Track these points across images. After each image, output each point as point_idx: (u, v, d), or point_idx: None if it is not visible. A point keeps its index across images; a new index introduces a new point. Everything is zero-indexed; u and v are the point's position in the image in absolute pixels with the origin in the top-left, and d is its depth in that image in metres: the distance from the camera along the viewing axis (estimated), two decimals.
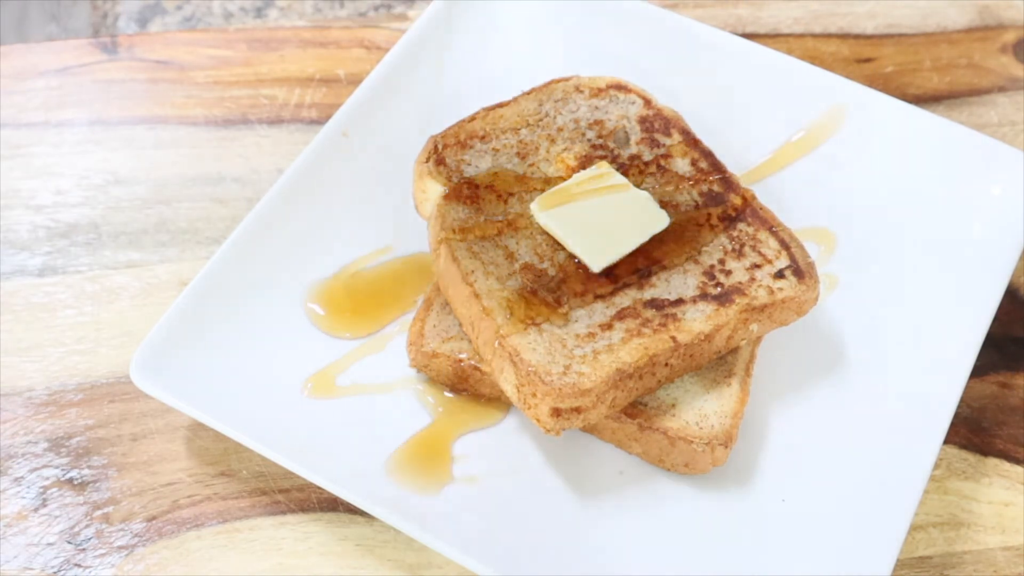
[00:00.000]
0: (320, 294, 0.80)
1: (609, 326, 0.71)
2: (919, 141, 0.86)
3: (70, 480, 0.76)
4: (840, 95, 0.88)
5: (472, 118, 0.81)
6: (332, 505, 0.75)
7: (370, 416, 0.76)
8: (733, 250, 0.76)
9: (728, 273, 0.75)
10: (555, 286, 0.73)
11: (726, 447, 0.73)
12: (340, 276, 0.81)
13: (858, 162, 0.87)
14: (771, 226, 0.77)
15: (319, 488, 0.75)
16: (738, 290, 0.74)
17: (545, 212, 0.76)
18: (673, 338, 0.71)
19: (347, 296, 0.80)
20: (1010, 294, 0.86)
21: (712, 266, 0.75)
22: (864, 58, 1.00)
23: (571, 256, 0.74)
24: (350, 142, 0.85)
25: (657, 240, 0.75)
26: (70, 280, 0.85)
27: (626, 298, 0.73)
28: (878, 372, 0.78)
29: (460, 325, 0.76)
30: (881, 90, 0.90)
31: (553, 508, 0.73)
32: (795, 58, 0.90)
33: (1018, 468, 0.79)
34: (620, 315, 0.72)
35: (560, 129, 0.81)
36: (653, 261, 0.75)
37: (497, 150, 0.80)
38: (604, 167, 0.78)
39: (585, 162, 0.79)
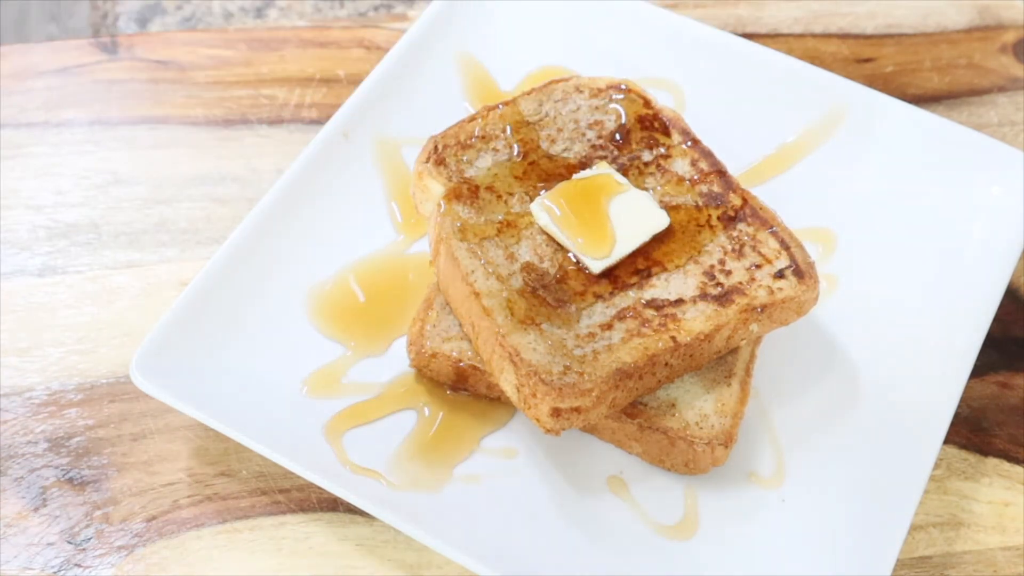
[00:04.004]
0: (320, 304, 0.80)
1: (609, 326, 0.71)
2: (919, 141, 0.86)
3: (70, 480, 0.76)
4: (840, 95, 0.88)
5: (472, 118, 0.81)
6: (332, 505, 0.75)
7: (370, 416, 0.76)
8: (733, 250, 0.76)
9: (728, 273, 0.74)
10: (555, 286, 0.73)
11: (726, 447, 0.73)
12: (340, 278, 0.81)
13: (858, 162, 0.87)
14: (771, 226, 0.77)
15: (319, 488, 0.75)
16: (738, 290, 0.73)
17: (545, 212, 0.75)
18: (673, 338, 0.71)
19: (347, 306, 0.80)
20: (1010, 294, 0.86)
21: (712, 266, 0.75)
22: (864, 58, 1.00)
23: (571, 256, 0.74)
24: (350, 142, 0.85)
25: (657, 240, 0.75)
26: (70, 280, 0.85)
27: (626, 298, 0.73)
28: (878, 372, 0.78)
29: (460, 325, 0.76)
30: (881, 90, 0.90)
31: (553, 508, 0.73)
32: (795, 58, 0.90)
33: (1018, 468, 0.79)
34: (620, 315, 0.72)
35: (560, 129, 0.81)
36: (653, 261, 0.75)
37: (497, 150, 0.79)
38: (604, 167, 0.78)
39: (585, 162, 0.79)
